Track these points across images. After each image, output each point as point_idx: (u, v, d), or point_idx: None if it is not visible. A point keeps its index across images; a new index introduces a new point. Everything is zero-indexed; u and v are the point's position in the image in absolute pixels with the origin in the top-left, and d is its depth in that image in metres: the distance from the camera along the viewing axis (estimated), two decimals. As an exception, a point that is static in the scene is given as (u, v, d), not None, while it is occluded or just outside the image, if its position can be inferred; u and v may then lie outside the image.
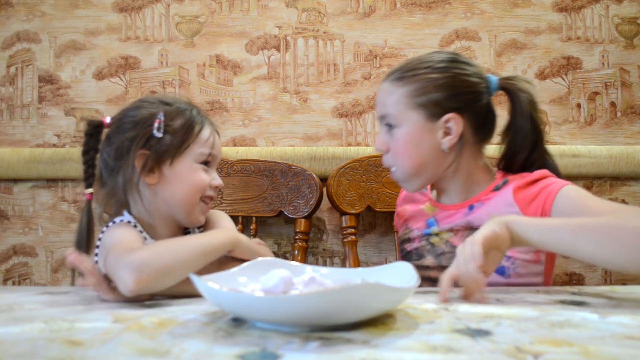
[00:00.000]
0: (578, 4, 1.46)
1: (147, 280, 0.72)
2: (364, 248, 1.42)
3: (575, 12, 1.46)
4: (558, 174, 0.95)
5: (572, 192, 0.87)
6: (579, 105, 1.46)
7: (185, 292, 0.76)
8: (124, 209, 0.96)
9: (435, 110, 0.92)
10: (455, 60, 0.94)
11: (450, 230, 0.96)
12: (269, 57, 1.47)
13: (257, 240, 0.95)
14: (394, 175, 0.98)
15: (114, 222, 0.95)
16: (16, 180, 1.45)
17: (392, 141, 0.95)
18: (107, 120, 0.95)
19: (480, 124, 0.96)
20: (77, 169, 1.42)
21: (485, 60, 1.45)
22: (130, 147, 0.90)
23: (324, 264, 1.44)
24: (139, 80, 1.46)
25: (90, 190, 0.97)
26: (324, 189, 1.34)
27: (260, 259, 0.73)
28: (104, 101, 1.46)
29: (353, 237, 1.32)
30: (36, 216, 1.45)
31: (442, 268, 0.95)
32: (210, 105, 1.46)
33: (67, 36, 1.47)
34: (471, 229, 0.93)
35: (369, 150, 1.39)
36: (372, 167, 1.34)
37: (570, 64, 1.46)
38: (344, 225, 1.33)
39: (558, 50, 1.46)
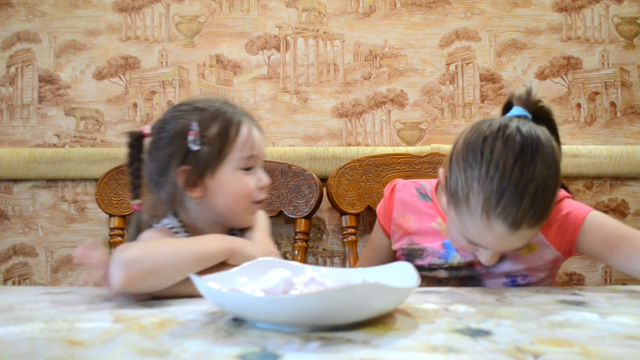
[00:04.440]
0: (578, 4, 1.46)
1: (135, 278, 0.72)
2: (364, 248, 1.42)
3: (575, 12, 1.46)
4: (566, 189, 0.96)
5: (597, 220, 0.89)
6: (579, 105, 1.46)
7: (186, 293, 0.76)
8: (167, 215, 0.95)
9: None
10: (559, 152, 0.83)
11: (473, 260, 0.92)
12: (269, 57, 1.47)
13: (267, 248, 0.89)
14: None
15: (153, 227, 0.95)
16: (16, 180, 1.45)
17: (508, 253, 0.88)
18: (147, 130, 0.93)
19: None
20: (77, 169, 1.43)
21: (485, 60, 1.45)
22: (170, 164, 0.88)
23: (324, 264, 1.44)
24: (139, 80, 1.46)
25: (137, 201, 0.94)
26: (324, 189, 1.34)
27: (260, 259, 0.73)
28: (104, 101, 1.46)
29: (353, 237, 1.32)
30: (36, 216, 1.45)
31: (456, 280, 0.94)
32: (210, 105, 1.46)
33: (67, 36, 1.47)
34: None
35: (369, 150, 1.39)
36: (372, 167, 1.34)
37: (570, 64, 1.46)
38: (344, 225, 1.33)
39: (558, 50, 1.46)
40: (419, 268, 0.96)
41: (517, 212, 0.76)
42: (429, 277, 0.96)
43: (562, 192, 0.93)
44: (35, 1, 1.47)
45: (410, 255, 0.99)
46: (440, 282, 0.96)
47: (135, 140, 0.94)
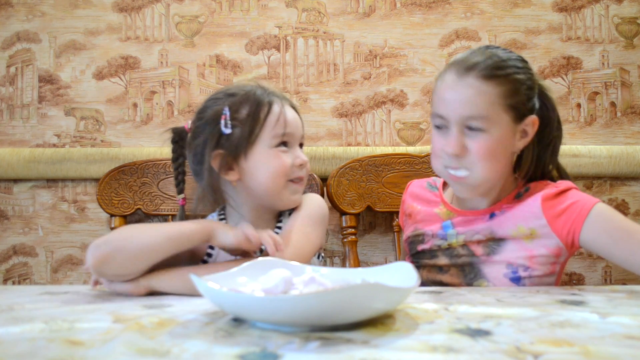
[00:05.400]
0: (578, 4, 1.46)
1: (103, 257, 0.74)
2: (364, 248, 1.42)
3: (575, 12, 1.46)
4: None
5: (604, 211, 0.88)
6: (579, 105, 1.46)
7: (185, 290, 0.76)
8: (218, 207, 0.97)
9: (521, 112, 0.89)
10: (527, 62, 0.92)
11: (471, 239, 0.94)
12: (269, 57, 1.47)
13: (247, 232, 0.81)
14: (465, 180, 0.89)
15: None
16: (16, 180, 1.45)
17: (476, 144, 0.87)
18: (189, 125, 0.95)
19: None
20: (77, 169, 1.42)
21: (485, 60, 1.45)
22: (205, 150, 0.89)
23: (324, 264, 1.44)
24: (139, 80, 1.46)
25: (181, 196, 0.97)
26: (324, 189, 1.34)
27: (260, 258, 0.73)
28: (104, 101, 1.46)
29: (353, 237, 1.32)
30: (36, 216, 1.45)
31: (456, 267, 0.96)
32: (210, 105, 1.46)
33: (67, 36, 1.47)
34: (494, 239, 0.93)
35: (369, 150, 1.39)
36: (372, 167, 1.34)
37: (570, 64, 1.46)
38: (344, 225, 1.33)
39: (558, 50, 1.46)
40: (422, 254, 1.00)
41: (469, 61, 0.88)
42: (430, 264, 0.98)
43: (568, 183, 0.94)
44: (35, 1, 1.47)
45: (414, 242, 1.02)
46: (441, 270, 0.97)
47: (178, 136, 0.96)
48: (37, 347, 0.49)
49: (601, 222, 0.87)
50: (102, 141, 1.46)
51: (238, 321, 0.58)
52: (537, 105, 0.93)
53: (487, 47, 0.92)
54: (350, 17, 1.47)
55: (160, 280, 0.77)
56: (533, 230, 0.90)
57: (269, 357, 0.45)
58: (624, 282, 1.42)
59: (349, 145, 1.45)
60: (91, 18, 1.47)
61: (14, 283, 1.45)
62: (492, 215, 0.94)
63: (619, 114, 1.45)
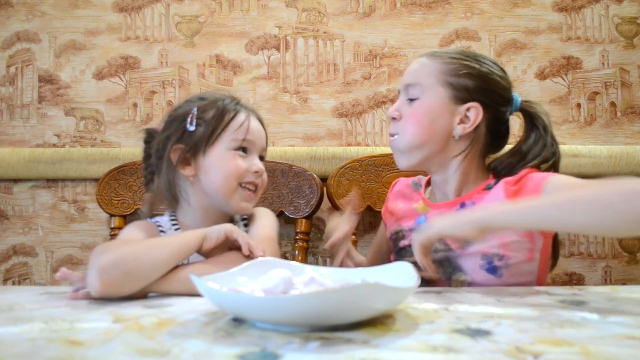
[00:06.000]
0: (578, 4, 1.46)
1: (112, 283, 0.72)
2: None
3: (575, 12, 1.46)
4: None
5: (561, 178, 0.88)
6: (579, 105, 1.46)
7: (183, 291, 0.76)
8: (170, 210, 0.99)
9: (462, 95, 0.93)
10: (494, 62, 0.97)
11: None
12: (269, 57, 1.47)
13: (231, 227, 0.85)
14: (394, 143, 0.98)
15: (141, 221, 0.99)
16: (16, 180, 1.45)
17: (409, 109, 0.95)
18: (161, 127, 0.98)
19: (496, 131, 0.97)
20: (77, 169, 1.43)
21: (485, 60, 1.45)
22: (167, 145, 0.93)
23: (324, 264, 1.44)
24: (139, 80, 1.46)
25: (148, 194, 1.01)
26: (324, 189, 1.34)
27: (260, 258, 0.73)
28: (103, 101, 1.46)
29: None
30: (36, 216, 1.45)
31: (435, 263, 0.95)
32: (210, 105, 1.46)
33: (67, 36, 1.47)
34: None
35: (369, 150, 1.39)
36: (372, 167, 1.34)
37: (570, 64, 1.46)
38: (344, 225, 1.33)
39: (558, 50, 1.46)
40: (404, 251, 1.01)
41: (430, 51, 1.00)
42: (411, 261, 0.97)
43: (530, 169, 0.93)
44: (35, 1, 1.47)
45: (396, 239, 1.03)
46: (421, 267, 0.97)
47: (150, 136, 0.99)
48: (37, 347, 0.49)
49: (556, 190, 0.84)
50: (102, 141, 1.46)
51: (238, 321, 0.58)
52: (505, 109, 0.95)
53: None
54: (350, 17, 1.47)
55: (157, 284, 0.77)
56: None
57: (269, 357, 0.45)
58: (624, 282, 1.42)
59: (349, 145, 1.45)
60: (91, 18, 1.47)
61: (14, 283, 1.45)
62: (462, 205, 0.95)
63: (619, 114, 1.45)
